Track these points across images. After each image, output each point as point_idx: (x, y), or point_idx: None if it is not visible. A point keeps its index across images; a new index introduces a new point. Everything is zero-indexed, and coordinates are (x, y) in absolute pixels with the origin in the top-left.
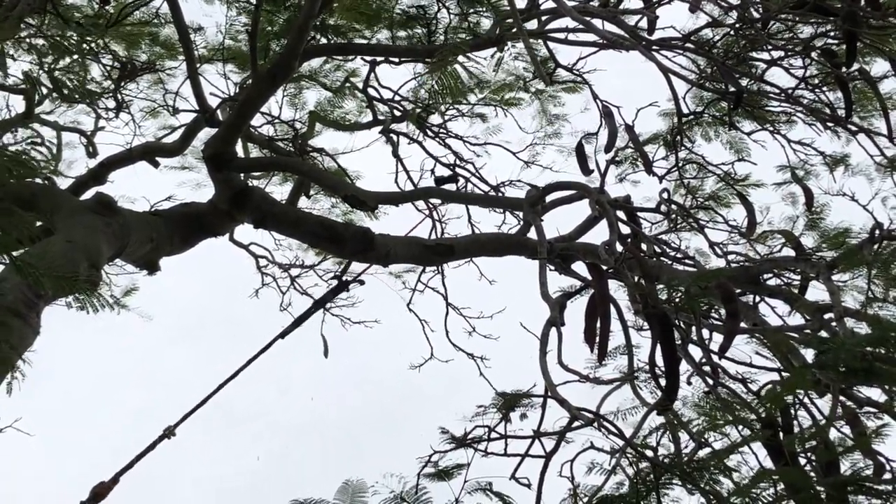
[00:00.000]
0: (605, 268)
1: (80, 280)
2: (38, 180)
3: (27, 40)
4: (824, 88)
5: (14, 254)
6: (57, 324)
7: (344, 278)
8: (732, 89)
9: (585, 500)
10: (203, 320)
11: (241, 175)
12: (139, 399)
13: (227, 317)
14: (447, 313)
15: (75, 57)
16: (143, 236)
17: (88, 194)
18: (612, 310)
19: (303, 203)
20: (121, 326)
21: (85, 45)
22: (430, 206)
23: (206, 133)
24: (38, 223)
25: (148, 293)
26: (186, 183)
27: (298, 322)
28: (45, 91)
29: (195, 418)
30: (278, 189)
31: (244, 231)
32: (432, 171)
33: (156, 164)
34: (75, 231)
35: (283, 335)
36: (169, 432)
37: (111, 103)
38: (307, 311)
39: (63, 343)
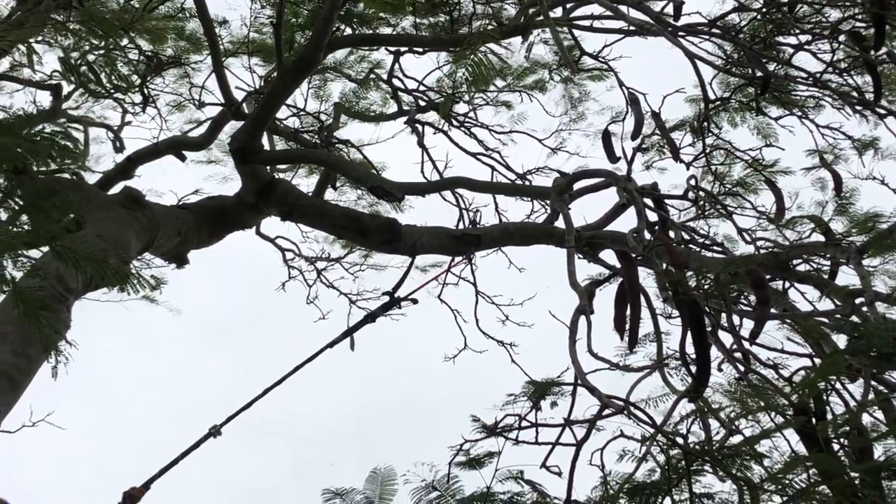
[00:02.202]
0: (633, 255)
1: (115, 266)
2: (67, 175)
3: (56, 35)
4: (852, 72)
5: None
6: (86, 323)
7: (396, 294)
8: (759, 74)
9: (617, 487)
10: (231, 322)
11: (268, 168)
12: (169, 398)
13: (255, 318)
14: (476, 302)
15: (101, 52)
16: (171, 230)
17: (116, 189)
18: (641, 297)
19: (329, 195)
20: (150, 327)
21: (111, 40)
22: (458, 196)
23: (231, 126)
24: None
25: (177, 294)
26: (213, 176)
27: (347, 333)
28: (81, 80)
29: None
30: (304, 181)
31: (271, 224)
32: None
33: (182, 158)
34: (105, 225)
35: (331, 345)
36: (215, 431)
37: (137, 98)
38: (357, 323)
39: (94, 341)
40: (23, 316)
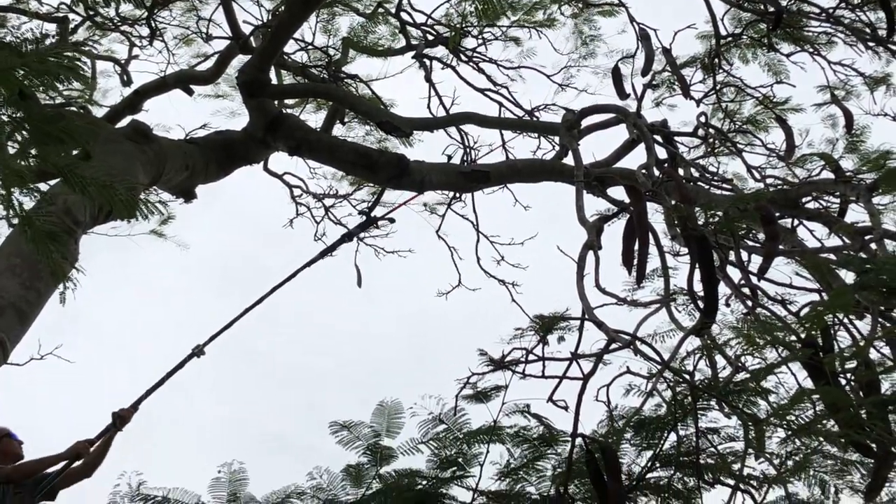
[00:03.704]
0: (643, 190)
1: (123, 193)
2: (74, 108)
3: None
4: (865, 7)
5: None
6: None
7: (373, 214)
8: (771, 9)
9: (623, 422)
10: (237, 271)
11: (276, 102)
12: (172, 340)
13: (258, 263)
14: (478, 240)
15: None
16: (178, 164)
17: (123, 123)
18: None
19: (337, 130)
20: (155, 271)
21: None
22: (463, 133)
23: (239, 60)
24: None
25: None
26: (221, 111)
27: (324, 254)
28: (88, 7)
29: (226, 366)
30: (312, 117)
31: (278, 161)
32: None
33: (190, 92)
34: (112, 159)
35: (308, 264)
36: (198, 351)
37: (144, 31)
38: (334, 243)
39: (101, 283)
40: (31, 243)
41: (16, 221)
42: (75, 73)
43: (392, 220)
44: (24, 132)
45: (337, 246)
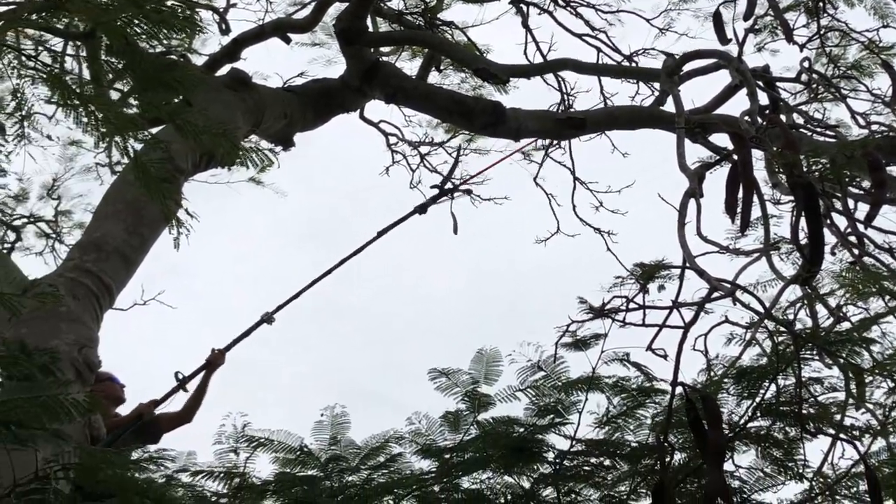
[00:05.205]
0: (747, 137)
1: (232, 140)
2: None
3: None
4: None
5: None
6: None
7: (447, 186)
8: None
9: (722, 371)
10: (327, 222)
11: (372, 50)
12: (265, 287)
13: (356, 213)
14: (574, 187)
15: None
16: (277, 111)
17: (222, 72)
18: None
19: (432, 78)
20: (253, 222)
21: None
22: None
23: (336, 8)
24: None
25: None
26: (317, 59)
27: (395, 224)
28: None
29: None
30: (407, 65)
31: (374, 109)
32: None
33: (287, 41)
34: (213, 107)
35: (379, 235)
36: (268, 318)
37: None
38: (405, 215)
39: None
40: (143, 188)
41: (119, 169)
42: (192, 23)
43: (469, 192)
44: (129, 79)
45: (407, 218)
